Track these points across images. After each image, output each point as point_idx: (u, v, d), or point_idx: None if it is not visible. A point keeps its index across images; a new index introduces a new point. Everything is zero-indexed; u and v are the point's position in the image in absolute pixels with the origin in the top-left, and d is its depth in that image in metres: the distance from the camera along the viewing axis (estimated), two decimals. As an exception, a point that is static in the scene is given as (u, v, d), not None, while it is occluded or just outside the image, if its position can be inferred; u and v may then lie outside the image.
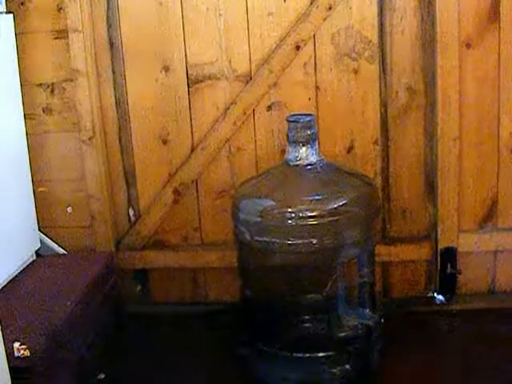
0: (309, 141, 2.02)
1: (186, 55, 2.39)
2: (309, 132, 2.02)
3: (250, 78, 2.39)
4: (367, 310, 2.07)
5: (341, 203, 1.96)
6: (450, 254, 2.40)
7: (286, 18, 2.32)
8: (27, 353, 1.74)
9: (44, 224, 2.54)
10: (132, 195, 2.54)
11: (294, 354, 1.99)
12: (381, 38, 2.32)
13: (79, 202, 2.53)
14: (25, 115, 2.43)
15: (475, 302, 2.44)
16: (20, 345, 1.75)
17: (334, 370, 1.99)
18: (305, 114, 2.09)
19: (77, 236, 2.56)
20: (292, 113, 2.18)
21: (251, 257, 2.09)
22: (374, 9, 2.30)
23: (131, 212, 2.55)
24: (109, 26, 2.39)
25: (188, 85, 2.41)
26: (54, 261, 2.50)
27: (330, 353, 1.98)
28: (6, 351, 1.47)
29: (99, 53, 2.41)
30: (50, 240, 2.56)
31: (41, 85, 2.45)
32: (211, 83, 2.40)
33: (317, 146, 2.06)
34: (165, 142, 2.47)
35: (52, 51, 2.42)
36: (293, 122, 2.04)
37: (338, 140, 2.40)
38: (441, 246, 2.40)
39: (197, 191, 2.50)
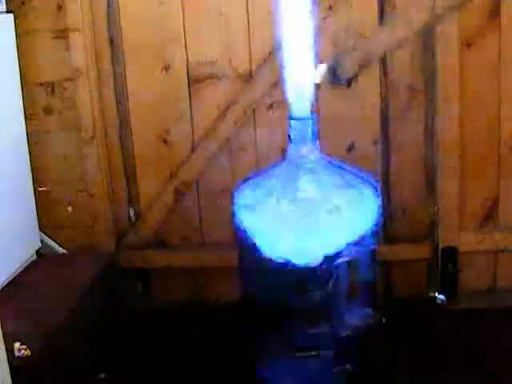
0: (310, 139, 2.02)
1: (186, 54, 2.39)
2: (310, 130, 2.01)
3: (251, 78, 2.38)
4: (368, 310, 2.06)
5: (341, 201, 1.96)
6: (450, 254, 2.40)
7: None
8: (28, 352, 1.74)
9: (45, 223, 2.54)
10: (132, 195, 2.53)
11: (295, 354, 1.98)
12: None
13: (80, 202, 2.53)
14: (25, 115, 2.43)
15: (476, 301, 2.43)
16: (20, 344, 1.75)
17: (335, 370, 1.99)
18: (305, 112, 2.08)
19: (77, 235, 2.56)
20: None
21: (251, 256, 2.09)
22: (375, 8, 2.30)
23: (132, 211, 2.55)
24: (109, 25, 2.39)
25: (189, 84, 2.41)
26: (55, 260, 2.51)
27: (331, 352, 1.98)
28: (6, 351, 1.47)
29: (100, 52, 2.41)
30: (50, 239, 2.56)
31: (41, 84, 2.45)
32: (212, 82, 2.40)
33: (318, 144, 2.05)
34: (165, 142, 2.47)
35: (52, 51, 2.42)
36: (294, 120, 2.03)
37: (338, 139, 2.39)
38: (441, 246, 2.40)
39: (197, 191, 2.50)
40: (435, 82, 2.30)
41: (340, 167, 2.14)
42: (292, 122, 2.03)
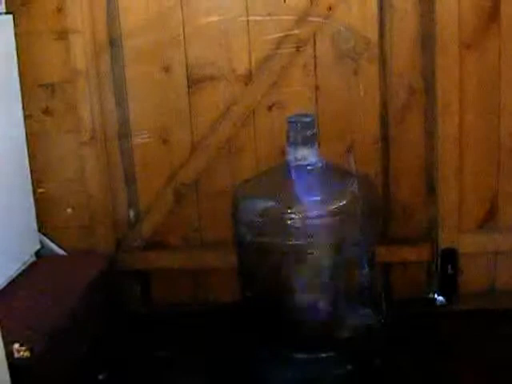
0: (308, 141, 2.01)
1: (186, 55, 2.39)
2: (308, 133, 2.01)
3: (250, 79, 2.38)
4: (368, 311, 2.06)
5: (340, 203, 1.96)
6: (450, 255, 2.40)
7: (286, 18, 2.32)
8: (27, 354, 1.74)
9: (44, 225, 2.54)
10: (132, 196, 2.53)
11: (296, 355, 1.98)
12: (381, 38, 2.32)
13: (79, 203, 2.53)
14: (25, 116, 2.42)
15: (476, 302, 2.43)
16: (20, 346, 1.75)
17: (336, 371, 1.99)
18: (305, 115, 2.08)
19: (77, 237, 2.55)
20: (292, 113, 2.17)
21: (251, 257, 2.09)
22: (374, 9, 2.30)
23: (131, 213, 2.54)
24: (109, 27, 2.39)
25: (188, 85, 2.41)
26: (54, 262, 2.50)
27: (331, 353, 1.98)
28: (5, 352, 1.47)
29: (99, 53, 2.41)
30: (50, 241, 2.56)
31: (41, 86, 2.45)
32: (211, 83, 2.40)
33: (316, 146, 2.05)
34: (165, 143, 2.47)
35: (52, 52, 2.41)
36: (292, 122, 2.03)
37: (338, 140, 2.39)
38: (441, 247, 2.40)
39: (197, 192, 2.50)
40: (435, 82, 2.30)
41: (337, 169, 2.14)
42: (291, 123, 2.03)
